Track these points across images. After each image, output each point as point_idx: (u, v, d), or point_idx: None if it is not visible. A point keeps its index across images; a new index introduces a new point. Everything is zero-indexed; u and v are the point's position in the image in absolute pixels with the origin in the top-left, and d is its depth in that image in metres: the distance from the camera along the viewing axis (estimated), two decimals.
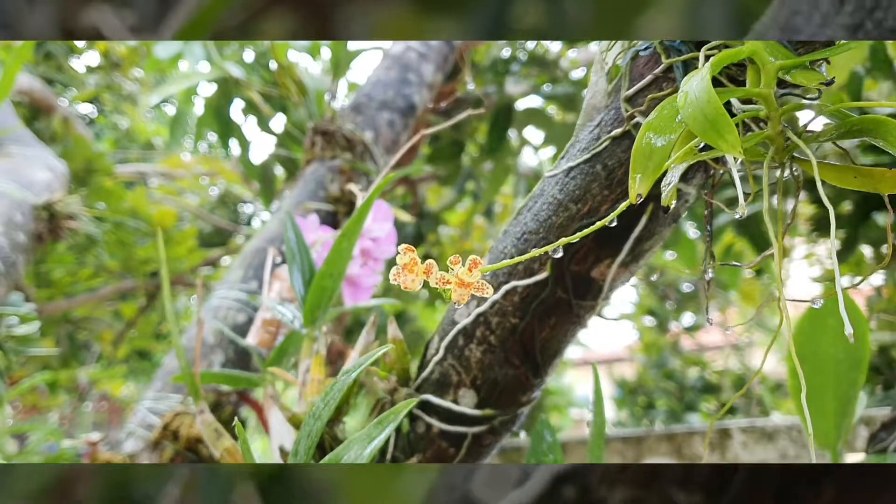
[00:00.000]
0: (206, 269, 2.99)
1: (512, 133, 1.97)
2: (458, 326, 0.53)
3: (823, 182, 0.36)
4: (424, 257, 0.31)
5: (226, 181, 3.26)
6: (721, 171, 0.43)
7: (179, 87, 1.46)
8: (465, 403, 0.54)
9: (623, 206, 0.34)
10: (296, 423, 0.58)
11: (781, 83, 0.37)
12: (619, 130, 0.44)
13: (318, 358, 0.62)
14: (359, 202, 0.79)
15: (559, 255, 0.37)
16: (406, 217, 1.20)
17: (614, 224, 0.37)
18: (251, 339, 0.75)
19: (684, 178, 0.44)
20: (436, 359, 0.55)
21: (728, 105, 0.38)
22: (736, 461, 1.81)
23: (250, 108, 2.08)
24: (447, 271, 0.32)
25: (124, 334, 3.00)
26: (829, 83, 0.35)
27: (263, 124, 2.11)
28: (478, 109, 0.97)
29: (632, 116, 0.44)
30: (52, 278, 2.72)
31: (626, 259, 0.48)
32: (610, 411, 3.61)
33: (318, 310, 0.67)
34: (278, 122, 2.10)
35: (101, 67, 3.14)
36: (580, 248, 0.48)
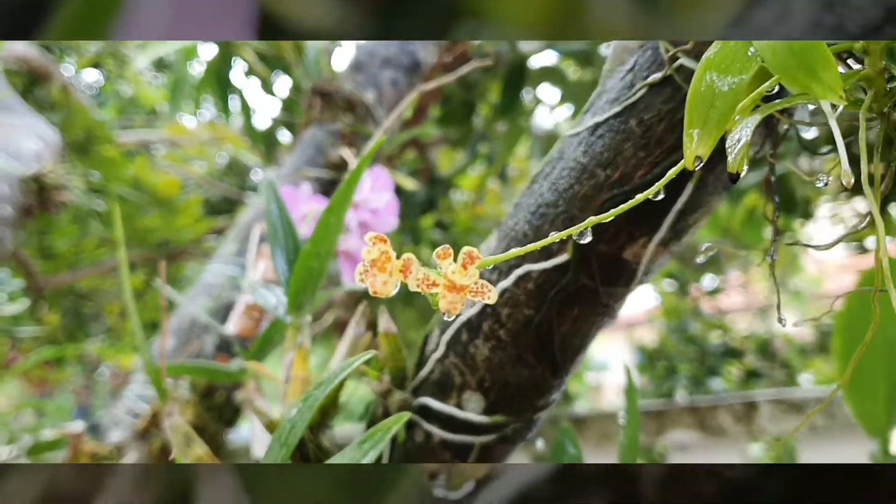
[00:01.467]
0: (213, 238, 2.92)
1: (526, 92, 1.87)
2: (461, 319, 0.45)
3: None
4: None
5: (233, 148, 3.18)
6: (786, 125, 0.33)
7: (169, 47, 1.36)
8: (471, 408, 0.45)
9: (672, 172, 0.25)
10: (273, 429, 0.50)
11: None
12: (658, 75, 0.35)
13: (302, 352, 0.53)
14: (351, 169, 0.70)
15: (587, 239, 0.28)
16: (410, 184, 1.11)
17: (660, 197, 0.28)
18: (232, 326, 0.66)
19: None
20: (436, 356, 0.46)
21: None
22: (762, 434, 1.73)
23: (252, 70, 1.99)
24: (440, 268, 0.23)
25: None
26: None
27: (267, 87, 2.02)
28: (483, 61, 0.87)
29: (674, 57, 0.34)
30: (56, 251, 2.66)
31: (665, 237, 0.39)
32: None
33: (303, 294, 0.59)
34: (282, 85, 2.00)
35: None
36: (609, 225, 0.39)
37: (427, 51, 1.38)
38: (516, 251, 0.25)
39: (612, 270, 0.40)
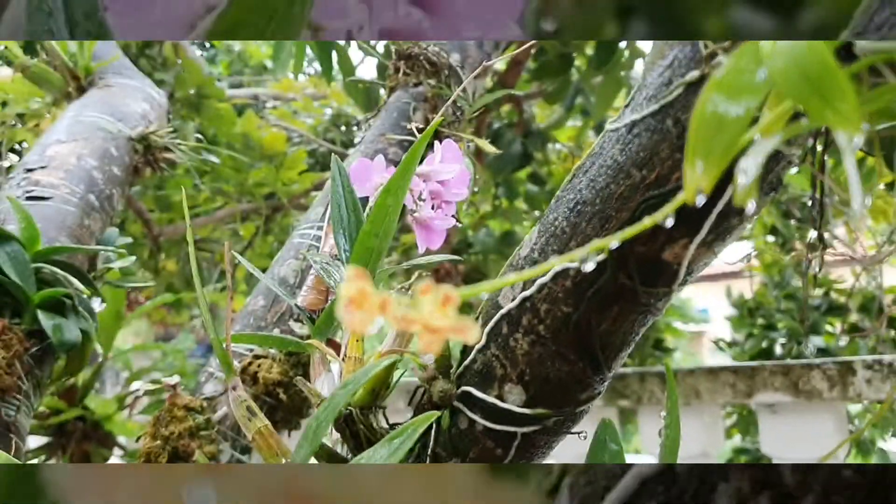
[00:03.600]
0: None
1: (623, 44, 1.80)
2: (502, 311, 0.44)
3: None
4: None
5: (337, 103, 3.23)
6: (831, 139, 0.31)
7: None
8: (512, 401, 0.45)
9: (675, 202, 0.23)
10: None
11: None
12: (695, 73, 0.33)
13: (356, 333, 0.55)
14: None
15: (590, 266, 0.27)
16: (490, 148, 1.10)
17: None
18: (300, 299, 0.68)
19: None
20: (478, 346, 0.46)
21: (847, 47, 0.26)
22: (859, 398, 1.64)
23: None
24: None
25: (243, 254, 3.08)
26: None
27: (366, 44, 2.03)
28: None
29: (713, 55, 0.32)
30: (172, 202, 2.81)
31: (707, 238, 0.37)
32: (726, 331, 3.43)
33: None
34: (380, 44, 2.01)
35: None
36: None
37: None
38: (508, 280, 0.24)
39: (652, 271, 0.39)
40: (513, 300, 0.44)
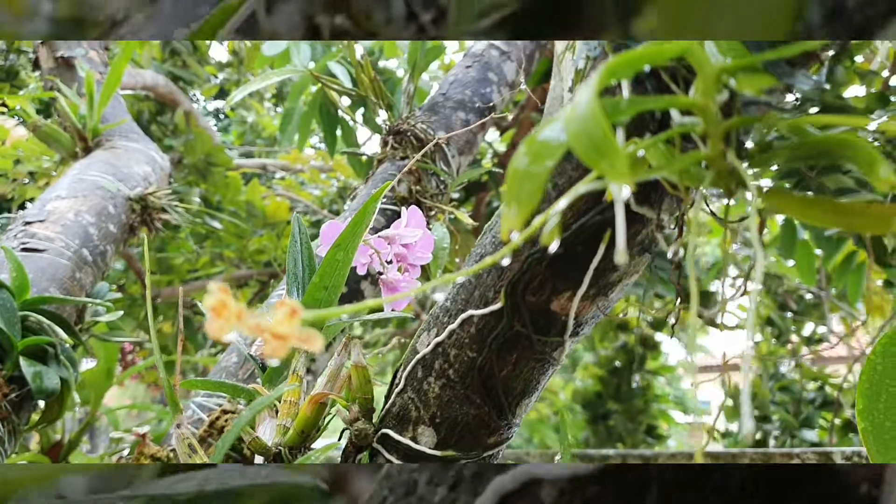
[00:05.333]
0: None
1: None
2: (418, 356, 0.48)
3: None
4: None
5: (344, 176, 3.32)
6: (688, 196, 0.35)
7: (259, 85, 1.47)
8: (425, 442, 0.48)
9: (511, 246, 0.27)
10: (256, 447, 0.55)
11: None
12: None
13: (295, 377, 0.58)
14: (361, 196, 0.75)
15: (505, 263, 0.30)
16: (468, 220, 1.14)
17: (554, 249, 0.30)
18: (255, 349, 0.72)
19: (646, 199, 0.37)
20: (397, 390, 0.50)
21: (667, 116, 0.30)
22: None
23: (357, 104, 2.09)
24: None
25: None
26: (786, 90, 0.27)
27: (371, 121, 2.11)
28: None
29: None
30: (173, 265, 2.87)
31: (589, 293, 0.41)
32: (721, 422, 3.40)
33: (312, 324, 0.63)
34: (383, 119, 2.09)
35: (229, 64, 3.28)
36: (535, 277, 0.41)
37: (501, 94, 1.42)
38: (336, 310, 0.28)
39: (543, 321, 0.43)
40: (427, 346, 0.47)
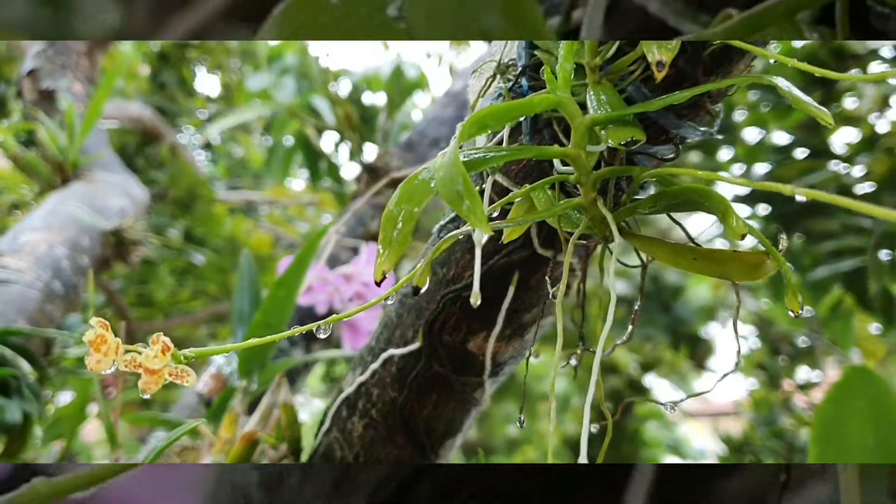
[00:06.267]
0: None
1: None
2: (342, 396, 0.48)
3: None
4: None
5: (334, 210, 3.33)
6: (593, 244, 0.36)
7: (237, 120, 1.49)
8: None
9: (394, 288, 0.28)
10: None
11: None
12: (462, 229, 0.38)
13: (231, 415, 0.58)
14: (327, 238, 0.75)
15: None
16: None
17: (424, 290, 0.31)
18: (202, 386, 0.72)
19: (551, 243, 0.37)
20: (323, 429, 0.50)
21: (551, 165, 0.31)
22: None
23: (343, 138, 2.11)
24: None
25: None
26: (633, 141, 0.27)
27: (355, 155, 2.13)
28: None
29: (487, 174, 0.37)
30: (154, 299, 2.85)
31: (504, 333, 0.41)
32: None
33: (252, 362, 0.64)
34: (369, 153, 2.11)
35: (220, 98, 3.31)
36: (451, 317, 0.42)
37: None
38: (219, 348, 0.29)
39: (460, 361, 0.43)
40: (352, 385, 0.48)
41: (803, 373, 3.36)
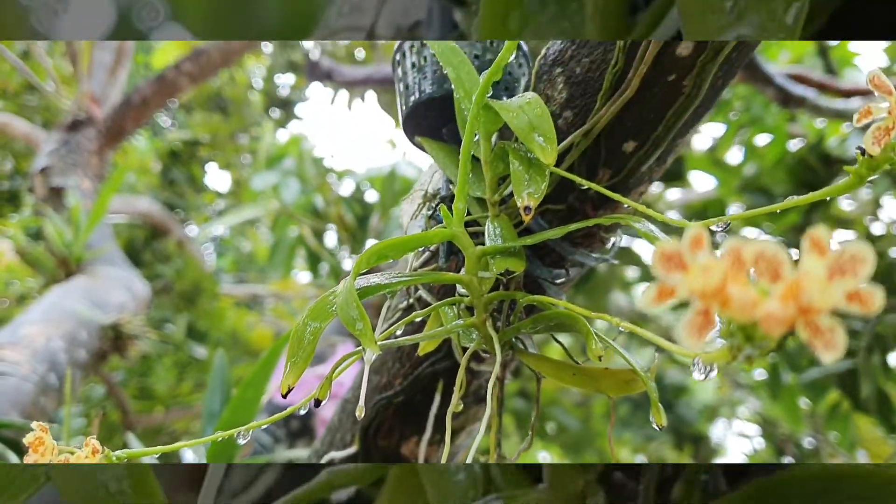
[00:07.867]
0: None
1: None
2: (286, 497, 0.51)
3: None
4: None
5: None
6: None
7: (238, 219, 1.55)
8: None
9: (292, 409, 0.32)
10: None
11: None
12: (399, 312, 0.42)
13: None
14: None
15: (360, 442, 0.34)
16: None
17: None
18: None
19: (482, 359, 0.41)
20: None
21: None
22: None
23: (343, 234, 2.17)
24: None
25: None
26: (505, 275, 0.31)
27: (357, 250, 2.19)
28: None
29: (415, 289, 0.41)
30: (155, 392, 2.86)
31: (434, 438, 0.44)
32: None
33: (220, 459, 0.66)
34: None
35: (229, 194, 3.41)
36: (384, 422, 0.45)
37: None
38: (155, 449, 0.32)
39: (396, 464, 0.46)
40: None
41: None
